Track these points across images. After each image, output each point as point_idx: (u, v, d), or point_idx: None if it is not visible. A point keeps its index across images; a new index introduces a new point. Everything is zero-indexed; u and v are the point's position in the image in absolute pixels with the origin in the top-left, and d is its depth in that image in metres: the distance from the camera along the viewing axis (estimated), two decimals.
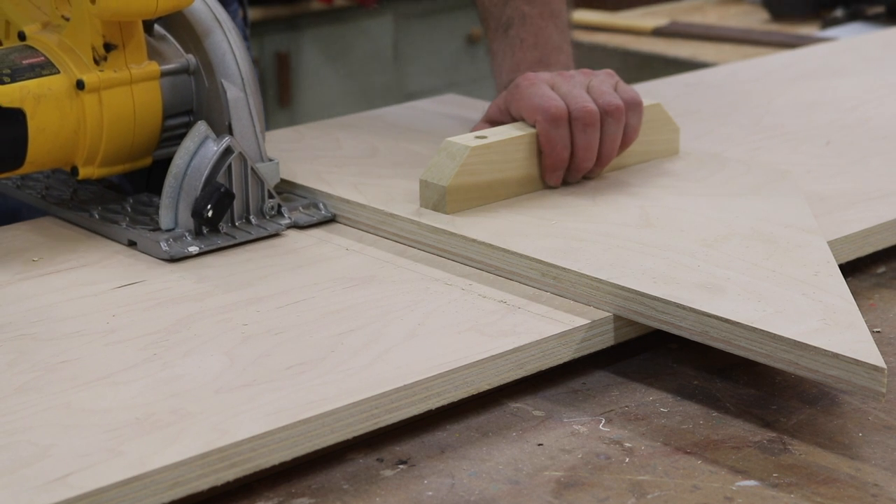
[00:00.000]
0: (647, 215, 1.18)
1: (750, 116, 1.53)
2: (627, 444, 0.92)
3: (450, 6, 3.55)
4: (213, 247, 1.15)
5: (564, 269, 1.06)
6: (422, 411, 0.93)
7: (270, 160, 1.22)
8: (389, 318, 1.03)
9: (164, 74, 1.19)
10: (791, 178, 1.28)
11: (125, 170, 1.21)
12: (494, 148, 1.21)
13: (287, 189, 1.26)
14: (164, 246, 1.13)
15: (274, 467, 0.87)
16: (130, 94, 1.17)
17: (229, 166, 1.16)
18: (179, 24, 1.21)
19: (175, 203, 1.15)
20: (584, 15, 2.69)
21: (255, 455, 0.85)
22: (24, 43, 1.18)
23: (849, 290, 1.01)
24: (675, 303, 0.99)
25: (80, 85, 1.14)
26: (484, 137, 1.22)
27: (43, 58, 1.15)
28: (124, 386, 0.92)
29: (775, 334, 0.93)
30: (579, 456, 0.90)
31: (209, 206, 1.14)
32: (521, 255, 1.09)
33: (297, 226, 1.20)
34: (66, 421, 0.87)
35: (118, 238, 1.17)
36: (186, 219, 1.15)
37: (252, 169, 1.18)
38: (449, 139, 1.21)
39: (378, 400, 0.91)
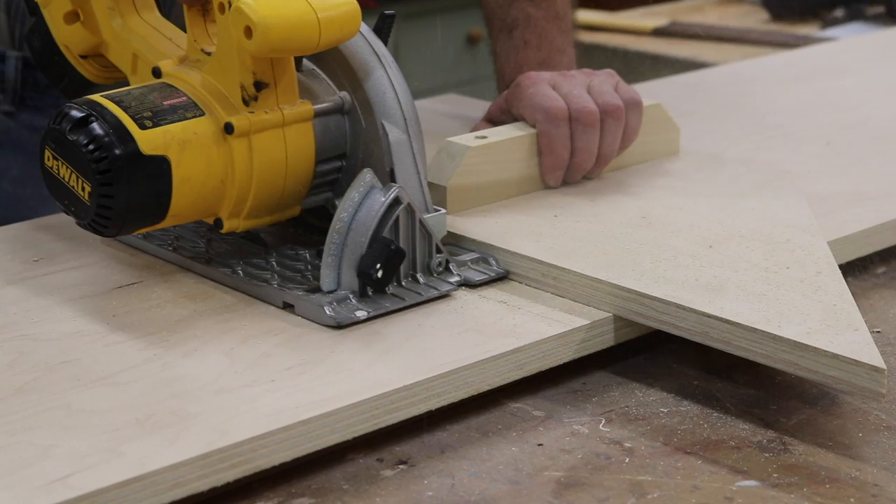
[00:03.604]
0: (648, 215, 1.18)
1: (750, 116, 1.53)
2: (627, 444, 0.92)
3: (450, 6, 3.55)
4: (382, 311, 1.02)
5: (564, 269, 1.06)
6: (422, 412, 0.93)
7: (436, 210, 1.09)
8: (389, 318, 1.02)
9: (317, 115, 1.06)
10: (791, 178, 1.28)
11: (272, 221, 1.08)
12: (494, 148, 1.21)
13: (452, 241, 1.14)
14: (328, 311, 1.00)
15: (274, 467, 0.87)
16: (282, 138, 1.04)
17: (396, 219, 1.03)
18: (332, 59, 1.08)
19: (338, 262, 1.02)
20: (584, 15, 2.69)
21: (256, 455, 0.85)
22: (161, 81, 1.06)
23: (849, 290, 1.01)
24: (674, 303, 0.99)
25: (228, 129, 1.01)
26: (484, 137, 1.22)
27: (185, 98, 1.02)
28: (124, 386, 0.92)
29: (775, 335, 0.93)
30: (579, 456, 0.90)
31: (378, 266, 1.01)
32: (521, 255, 1.09)
33: (467, 284, 1.08)
34: (66, 421, 0.87)
35: (271, 300, 1.04)
36: (350, 279, 1.02)
37: (420, 221, 1.05)
38: (449, 139, 1.21)
39: (378, 400, 0.91)
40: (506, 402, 0.98)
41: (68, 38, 1.16)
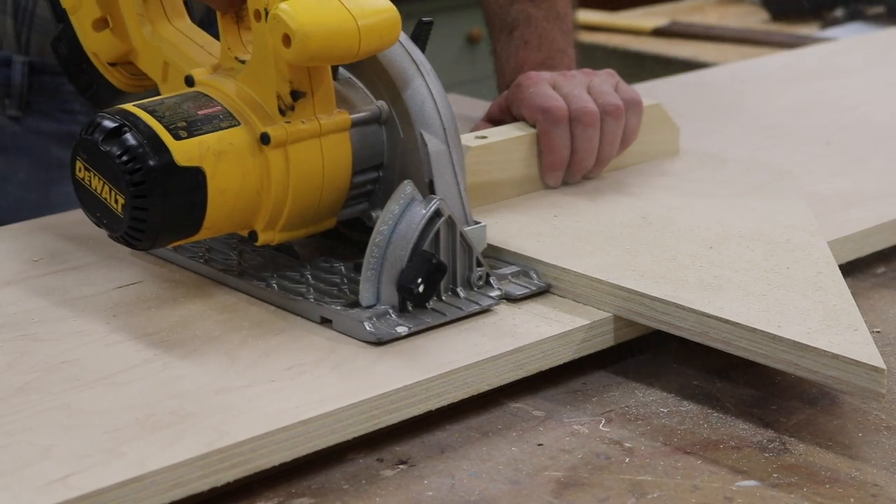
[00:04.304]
0: (647, 215, 1.18)
1: (750, 116, 1.53)
2: (627, 444, 0.92)
3: (450, 6, 3.55)
4: (423, 326, 0.99)
5: (564, 269, 1.06)
6: (422, 412, 0.93)
7: (476, 223, 1.08)
8: None
9: (354, 124, 1.04)
10: (791, 178, 1.28)
11: (307, 233, 1.06)
12: (495, 148, 1.21)
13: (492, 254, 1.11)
14: (368, 327, 0.97)
15: (274, 467, 0.87)
16: (319, 149, 1.01)
17: (437, 232, 1.00)
18: (369, 67, 1.06)
19: (378, 276, 0.99)
20: (584, 15, 2.69)
21: (255, 456, 0.85)
22: (194, 89, 1.03)
23: (849, 290, 1.01)
24: (674, 303, 0.99)
25: (264, 139, 0.99)
26: (484, 137, 1.22)
27: (220, 107, 1.00)
28: (124, 386, 0.92)
29: (775, 335, 0.93)
30: (579, 456, 0.90)
31: (419, 281, 0.98)
32: (521, 256, 1.09)
33: (508, 298, 1.05)
34: (66, 421, 0.87)
35: (308, 315, 1.02)
36: (390, 294, 0.99)
37: (461, 234, 1.03)
38: None
39: (378, 400, 0.91)
40: (506, 402, 0.98)
41: (97, 46, 1.14)
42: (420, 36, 1.09)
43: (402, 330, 0.98)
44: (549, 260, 1.07)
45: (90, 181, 0.99)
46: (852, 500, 0.85)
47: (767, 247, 1.10)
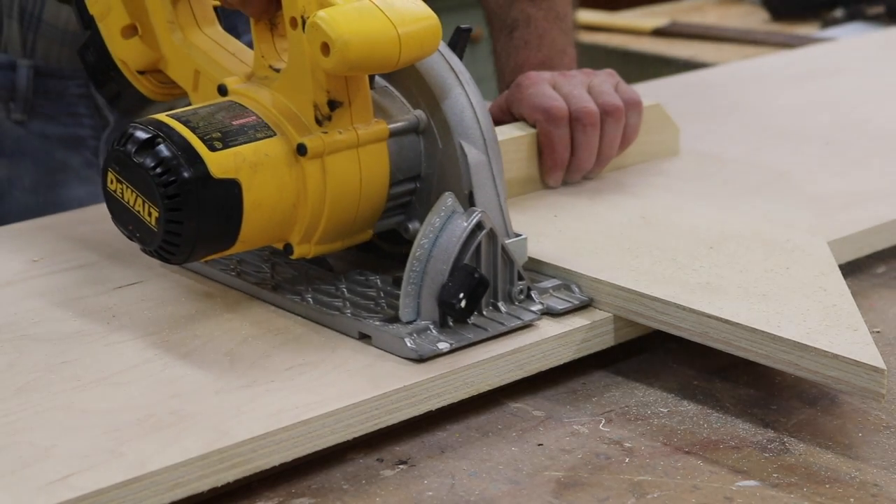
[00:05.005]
0: (647, 216, 1.18)
1: (750, 116, 1.53)
2: (627, 444, 0.92)
3: (450, 6, 3.55)
4: (465, 342, 0.96)
5: (564, 269, 1.06)
6: (422, 412, 0.93)
7: (517, 235, 1.05)
8: None
9: (392, 134, 1.01)
10: (791, 178, 1.28)
11: (343, 246, 1.03)
12: None
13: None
14: (409, 343, 0.95)
15: (274, 467, 0.87)
16: (357, 159, 0.99)
17: (478, 245, 0.98)
18: (407, 76, 1.03)
19: (418, 290, 0.96)
20: (584, 15, 2.69)
21: (256, 456, 0.85)
22: (228, 99, 1.00)
23: (849, 290, 1.01)
24: (674, 303, 0.99)
25: (301, 150, 0.96)
26: None
27: (255, 117, 0.97)
28: (124, 386, 0.92)
29: (775, 335, 0.93)
30: (579, 456, 0.90)
31: (462, 296, 0.95)
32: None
33: (550, 313, 1.02)
34: (66, 422, 0.87)
35: (345, 330, 0.99)
36: (430, 309, 0.97)
37: (502, 247, 1.00)
38: None
39: (378, 401, 0.91)
40: (506, 402, 0.98)
41: (125, 53, 1.12)
42: (458, 43, 1.06)
43: (443, 346, 0.96)
44: (549, 260, 1.07)
45: (122, 193, 0.97)
46: (852, 500, 0.85)
47: (767, 247, 1.10)
